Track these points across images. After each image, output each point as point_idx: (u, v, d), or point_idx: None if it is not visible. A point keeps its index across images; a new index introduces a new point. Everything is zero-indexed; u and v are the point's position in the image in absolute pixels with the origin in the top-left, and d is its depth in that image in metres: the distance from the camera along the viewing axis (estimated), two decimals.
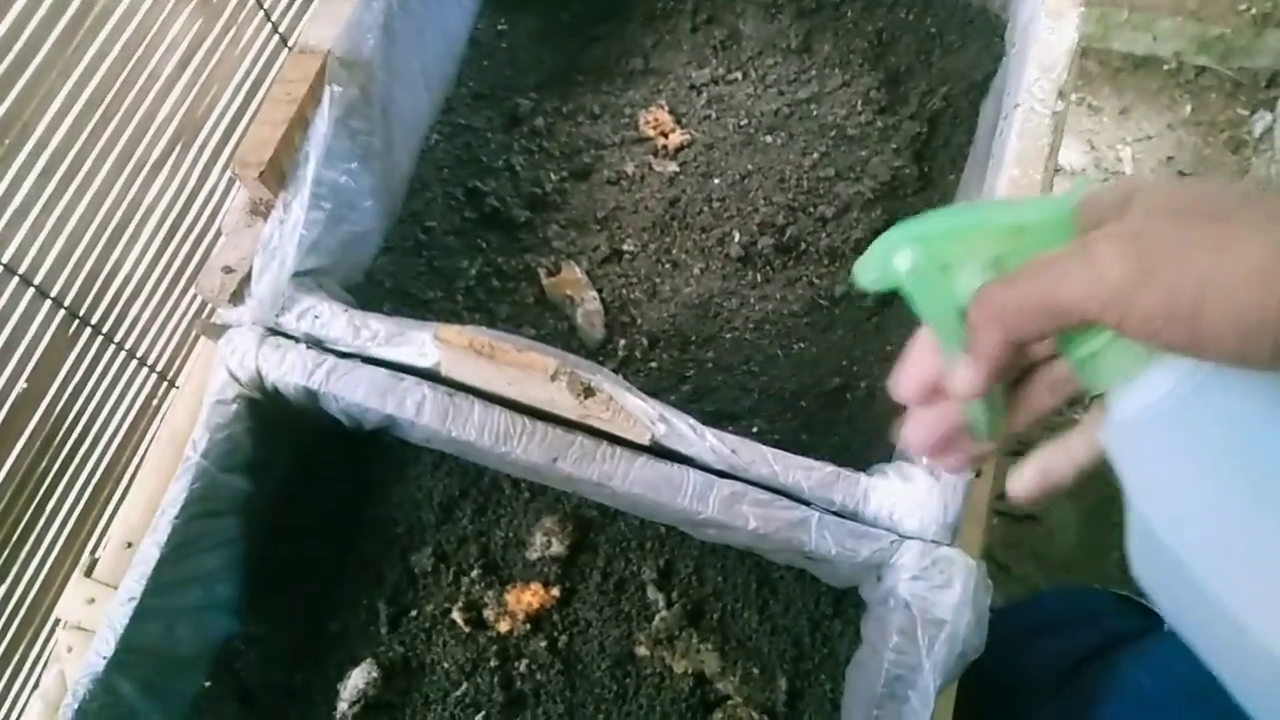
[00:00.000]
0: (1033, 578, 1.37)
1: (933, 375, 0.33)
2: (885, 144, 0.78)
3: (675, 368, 0.70)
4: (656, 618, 0.62)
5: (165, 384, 0.95)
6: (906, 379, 0.34)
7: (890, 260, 0.32)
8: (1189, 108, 1.67)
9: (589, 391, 0.56)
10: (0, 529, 0.80)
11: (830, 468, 0.56)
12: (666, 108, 0.79)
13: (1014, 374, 0.34)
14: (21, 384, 0.78)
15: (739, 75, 0.81)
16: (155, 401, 0.95)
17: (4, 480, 0.79)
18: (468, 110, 0.79)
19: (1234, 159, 1.64)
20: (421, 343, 0.58)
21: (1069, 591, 0.95)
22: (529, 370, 0.56)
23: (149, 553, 0.56)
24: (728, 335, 0.72)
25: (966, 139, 0.77)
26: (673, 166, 0.77)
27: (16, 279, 0.74)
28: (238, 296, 0.60)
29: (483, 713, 0.61)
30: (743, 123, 0.79)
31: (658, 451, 0.57)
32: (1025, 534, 1.41)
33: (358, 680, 0.61)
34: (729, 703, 0.61)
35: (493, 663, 0.62)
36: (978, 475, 0.61)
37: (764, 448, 0.56)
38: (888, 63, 0.81)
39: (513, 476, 0.66)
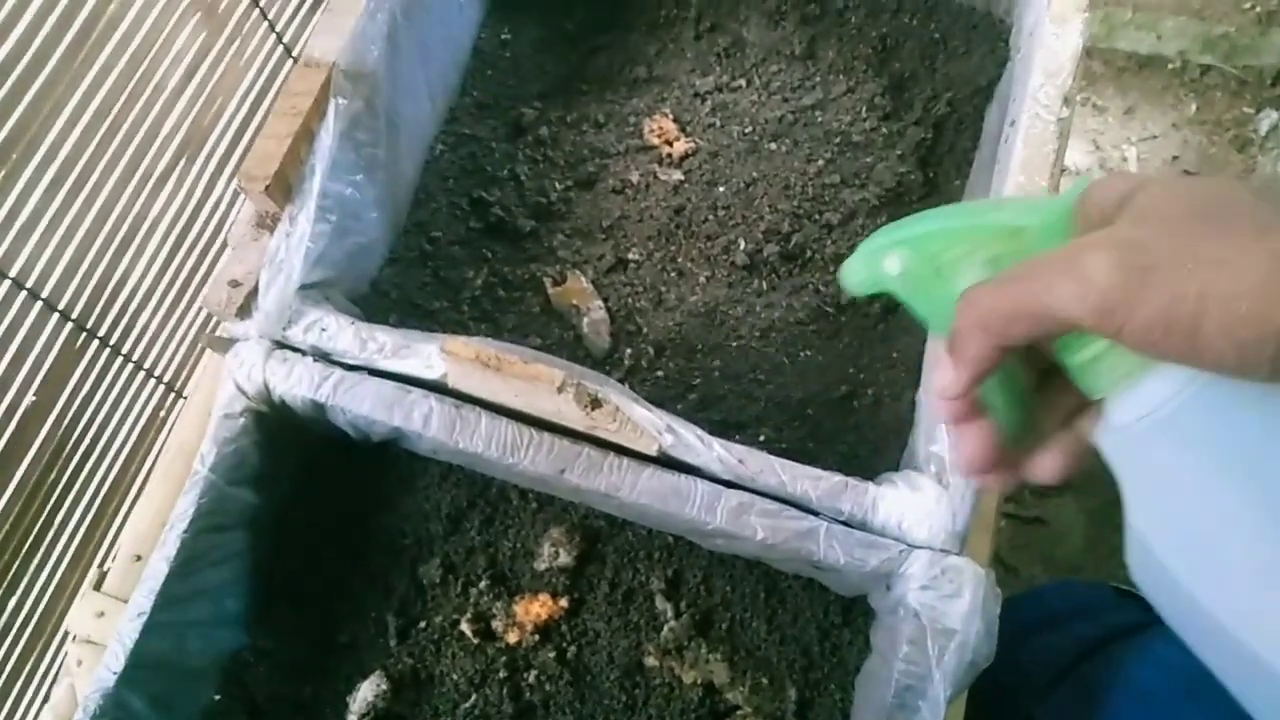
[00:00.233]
0: (1040, 579, 1.37)
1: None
2: (890, 150, 0.77)
3: (682, 376, 0.70)
4: (665, 628, 0.62)
5: (173, 395, 0.96)
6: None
7: (879, 264, 0.31)
8: (1194, 107, 1.67)
9: (596, 403, 0.56)
10: (10, 541, 0.80)
11: (838, 477, 0.56)
12: (671, 116, 0.79)
13: (1039, 369, 0.33)
14: (30, 397, 0.79)
15: (743, 82, 0.81)
16: (163, 413, 0.95)
17: (13, 493, 0.79)
18: (472, 120, 0.79)
19: (1240, 157, 1.63)
20: (428, 355, 0.58)
21: (1069, 586, 0.95)
22: (536, 382, 0.56)
23: (158, 568, 0.56)
24: (734, 343, 0.71)
25: (971, 145, 0.77)
26: (677, 175, 0.77)
27: (25, 292, 0.75)
28: (244, 310, 0.60)
29: None
30: (747, 130, 0.79)
31: (665, 462, 0.57)
32: (1033, 535, 1.40)
33: (367, 692, 0.61)
34: (738, 713, 0.61)
35: (501, 674, 0.62)
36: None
37: (772, 458, 0.56)
38: (892, 69, 0.81)
39: (520, 487, 0.66)
